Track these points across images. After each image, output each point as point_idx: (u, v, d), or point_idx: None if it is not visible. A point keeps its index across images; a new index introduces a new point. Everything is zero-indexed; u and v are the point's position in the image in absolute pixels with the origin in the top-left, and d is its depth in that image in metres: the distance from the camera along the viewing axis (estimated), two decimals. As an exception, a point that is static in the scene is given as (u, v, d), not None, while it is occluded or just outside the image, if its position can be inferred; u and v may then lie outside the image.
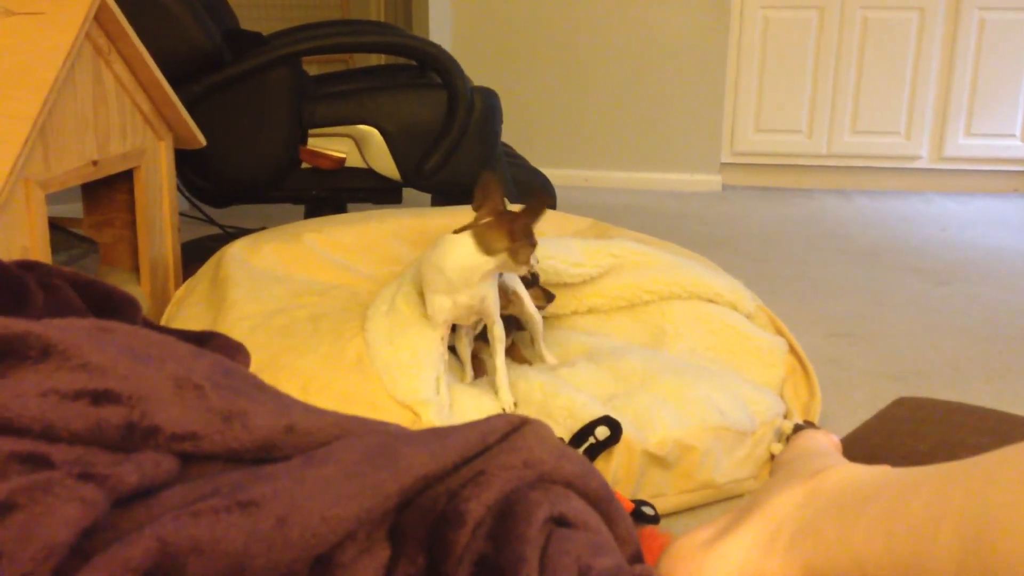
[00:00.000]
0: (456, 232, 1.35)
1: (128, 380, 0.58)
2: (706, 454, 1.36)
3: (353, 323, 1.46)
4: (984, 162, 3.95)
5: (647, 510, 1.13)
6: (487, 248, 1.32)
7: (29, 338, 0.57)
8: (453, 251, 1.34)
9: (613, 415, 1.30)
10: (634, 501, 1.16)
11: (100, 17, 1.56)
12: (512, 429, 0.62)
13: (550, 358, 1.57)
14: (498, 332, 1.41)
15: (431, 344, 1.41)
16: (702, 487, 1.37)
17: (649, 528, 1.08)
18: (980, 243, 3.10)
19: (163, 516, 0.51)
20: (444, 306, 1.37)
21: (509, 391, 1.40)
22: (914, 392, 1.76)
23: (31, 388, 0.56)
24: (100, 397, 0.57)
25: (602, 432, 1.26)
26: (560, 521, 0.59)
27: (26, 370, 0.56)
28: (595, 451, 1.25)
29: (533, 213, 1.31)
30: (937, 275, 2.67)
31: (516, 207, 1.42)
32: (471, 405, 1.38)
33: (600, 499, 0.62)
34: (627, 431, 1.29)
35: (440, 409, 1.33)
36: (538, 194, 1.33)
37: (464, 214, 1.88)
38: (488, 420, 0.63)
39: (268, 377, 1.35)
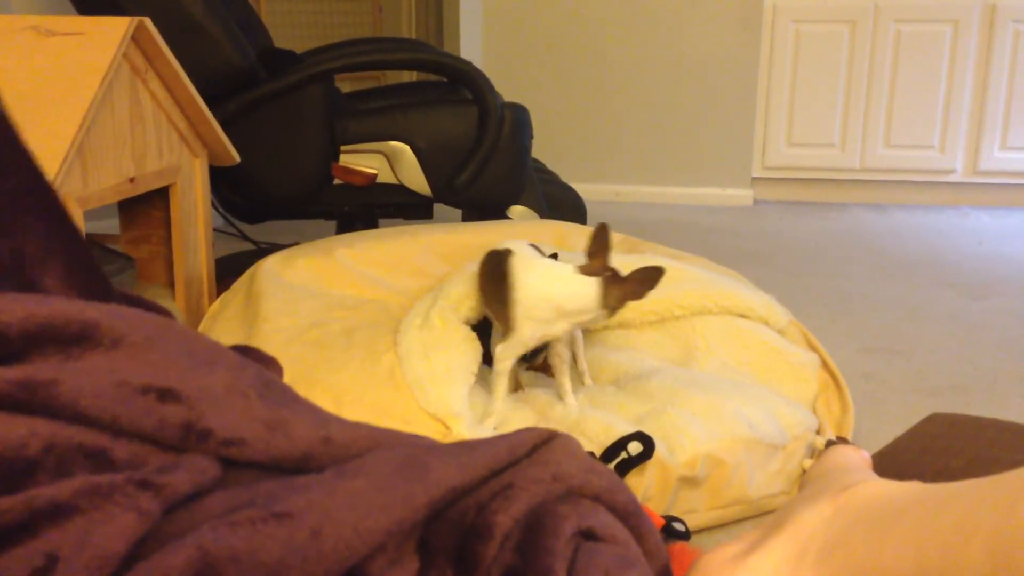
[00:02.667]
0: (580, 272, 1.38)
1: (187, 381, 0.59)
2: (736, 468, 1.35)
3: (386, 337, 1.47)
4: (1020, 176, 3.90)
5: (678, 526, 1.13)
6: (604, 300, 1.36)
7: (102, 325, 0.58)
8: (576, 289, 1.36)
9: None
10: (665, 517, 1.16)
11: (137, 37, 1.59)
12: (541, 442, 0.63)
13: (587, 379, 1.56)
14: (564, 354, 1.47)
15: (464, 358, 1.42)
16: (734, 503, 1.36)
17: (680, 544, 1.08)
18: (1017, 257, 3.06)
19: (203, 525, 0.52)
20: (535, 334, 1.38)
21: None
22: (950, 408, 1.74)
23: (106, 377, 0.56)
24: (164, 394, 0.58)
25: (635, 447, 1.26)
26: (588, 535, 0.59)
27: (99, 357, 0.57)
28: (627, 466, 1.25)
29: (650, 283, 1.36)
30: (973, 289, 2.64)
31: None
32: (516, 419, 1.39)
33: (628, 513, 0.62)
34: (660, 452, 1.29)
35: (471, 422, 1.34)
36: (651, 270, 1.38)
37: (496, 229, 1.89)
38: (517, 433, 0.63)
39: (302, 391, 1.36)
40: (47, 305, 0.57)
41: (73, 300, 0.60)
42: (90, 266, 0.70)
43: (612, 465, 1.25)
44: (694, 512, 1.33)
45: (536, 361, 1.62)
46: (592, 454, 1.24)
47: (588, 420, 1.37)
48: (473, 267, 1.57)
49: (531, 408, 1.46)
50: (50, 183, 0.70)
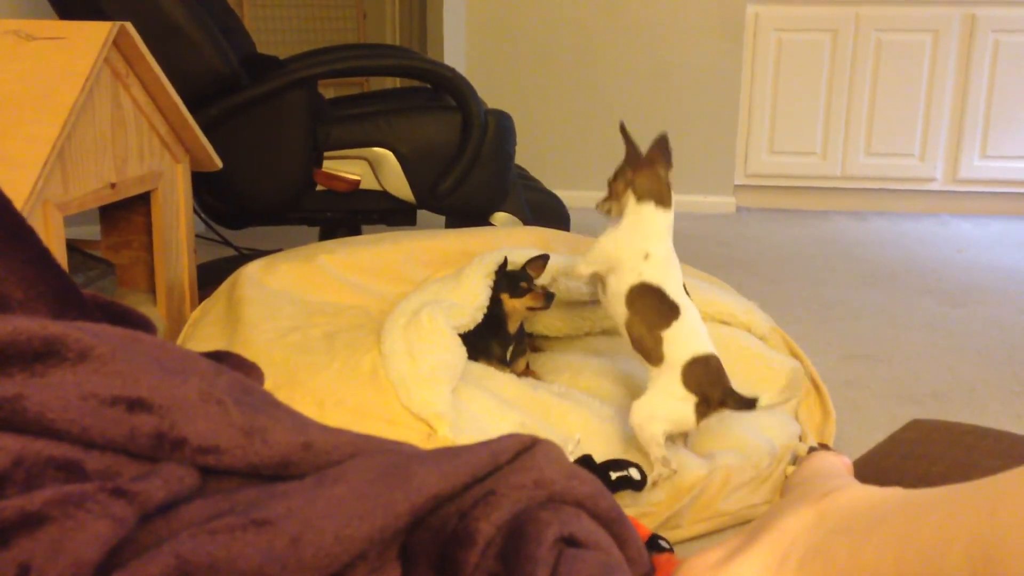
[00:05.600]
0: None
1: (158, 391, 0.58)
2: (721, 482, 1.35)
3: (368, 338, 1.46)
4: (999, 184, 3.93)
5: (662, 543, 1.13)
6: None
7: (68, 340, 0.58)
8: None
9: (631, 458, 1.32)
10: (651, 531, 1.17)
11: (119, 42, 1.58)
12: (523, 449, 0.62)
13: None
14: None
15: (449, 359, 1.41)
16: (717, 515, 1.36)
17: (666, 555, 1.08)
18: (996, 265, 3.08)
19: (181, 533, 0.51)
20: None
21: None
22: (930, 414, 1.75)
23: (73, 390, 0.56)
24: (134, 405, 0.57)
25: (635, 473, 1.27)
26: (570, 541, 0.59)
27: (65, 371, 0.57)
28: (624, 485, 1.26)
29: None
30: (953, 297, 2.66)
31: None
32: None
33: (611, 520, 0.62)
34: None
35: (456, 423, 1.33)
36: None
37: (479, 236, 1.89)
38: (499, 439, 0.63)
39: (284, 395, 1.36)
40: (9, 323, 0.57)
41: (36, 317, 0.60)
42: (61, 284, 0.69)
43: (615, 476, 1.25)
44: (678, 528, 1.33)
45: (517, 366, 1.62)
46: (590, 458, 1.24)
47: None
48: (470, 272, 1.57)
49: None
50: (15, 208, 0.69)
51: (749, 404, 1.32)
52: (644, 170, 1.40)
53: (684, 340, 1.34)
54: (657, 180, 1.40)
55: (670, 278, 1.39)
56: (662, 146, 1.42)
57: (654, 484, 1.31)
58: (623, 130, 1.42)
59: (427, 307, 1.47)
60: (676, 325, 1.35)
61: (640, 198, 1.39)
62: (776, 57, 3.92)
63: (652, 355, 1.36)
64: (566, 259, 1.58)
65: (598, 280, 1.45)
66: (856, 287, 2.76)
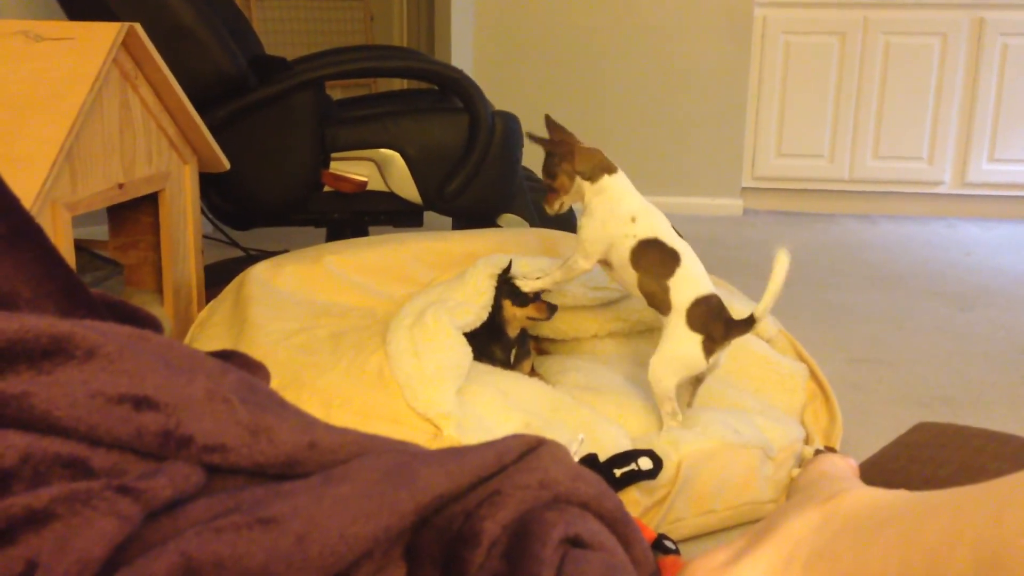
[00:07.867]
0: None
1: (164, 389, 0.59)
2: (722, 471, 1.35)
3: (374, 339, 1.47)
4: (1008, 188, 3.92)
5: (668, 544, 1.13)
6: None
7: (75, 338, 0.58)
8: None
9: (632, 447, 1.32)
10: (657, 534, 1.16)
11: (128, 43, 1.59)
12: (528, 449, 0.62)
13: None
14: None
15: (454, 358, 1.42)
16: (721, 508, 1.36)
17: (671, 557, 1.08)
18: (1004, 268, 3.07)
19: (187, 531, 0.51)
20: None
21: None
22: (937, 418, 1.75)
23: (80, 388, 0.56)
24: (141, 403, 0.58)
25: (645, 463, 1.27)
26: (575, 542, 0.59)
27: (72, 369, 0.57)
28: (634, 478, 1.26)
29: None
30: (961, 300, 2.65)
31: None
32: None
33: (616, 520, 0.62)
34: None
35: (461, 423, 1.33)
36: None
37: (485, 238, 1.89)
38: (504, 440, 0.63)
39: (291, 395, 1.36)
40: (16, 321, 0.57)
41: (43, 315, 0.60)
42: (69, 282, 0.69)
43: (619, 473, 1.25)
44: (681, 520, 1.33)
45: (521, 369, 1.62)
46: (595, 456, 1.24)
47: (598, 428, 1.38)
48: (474, 272, 1.57)
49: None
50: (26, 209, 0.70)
51: (749, 322, 1.40)
52: (578, 154, 1.48)
53: (687, 285, 1.42)
54: (592, 154, 1.48)
55: (660, 226, 1.48)
56: (558, 126, 1.53)
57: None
58: (549, 122, 1.52)
59: (432, 308, 1.48)
60: (679, 272, 1.43)
61: (593, 178, 1.47)
62: (784, 60, 3.92)
63: (663, 306, 1.43)
64: (551, 263, 1.58)
65: (604, 265, 1.51)
66: (863, 290, 2.76)
